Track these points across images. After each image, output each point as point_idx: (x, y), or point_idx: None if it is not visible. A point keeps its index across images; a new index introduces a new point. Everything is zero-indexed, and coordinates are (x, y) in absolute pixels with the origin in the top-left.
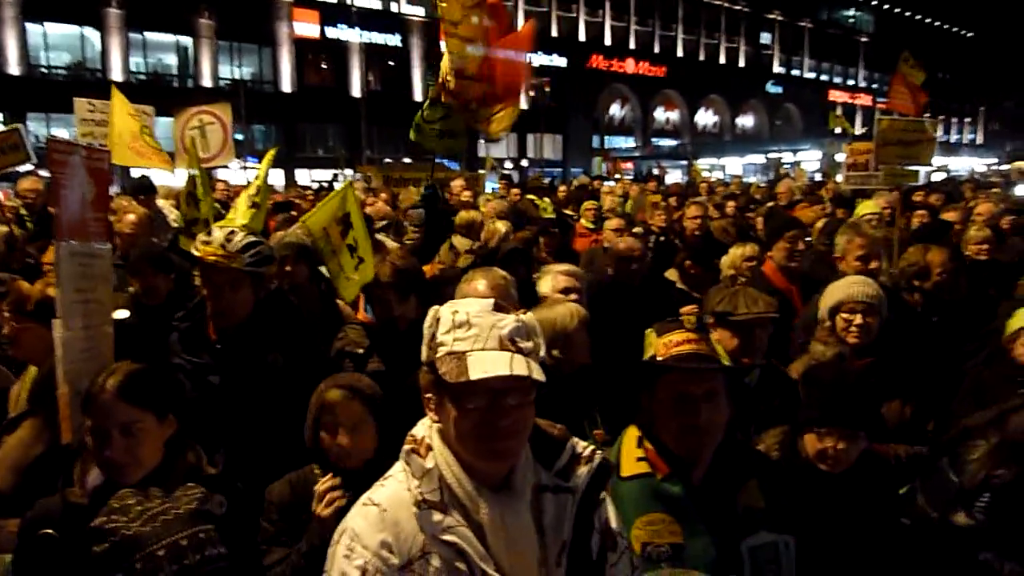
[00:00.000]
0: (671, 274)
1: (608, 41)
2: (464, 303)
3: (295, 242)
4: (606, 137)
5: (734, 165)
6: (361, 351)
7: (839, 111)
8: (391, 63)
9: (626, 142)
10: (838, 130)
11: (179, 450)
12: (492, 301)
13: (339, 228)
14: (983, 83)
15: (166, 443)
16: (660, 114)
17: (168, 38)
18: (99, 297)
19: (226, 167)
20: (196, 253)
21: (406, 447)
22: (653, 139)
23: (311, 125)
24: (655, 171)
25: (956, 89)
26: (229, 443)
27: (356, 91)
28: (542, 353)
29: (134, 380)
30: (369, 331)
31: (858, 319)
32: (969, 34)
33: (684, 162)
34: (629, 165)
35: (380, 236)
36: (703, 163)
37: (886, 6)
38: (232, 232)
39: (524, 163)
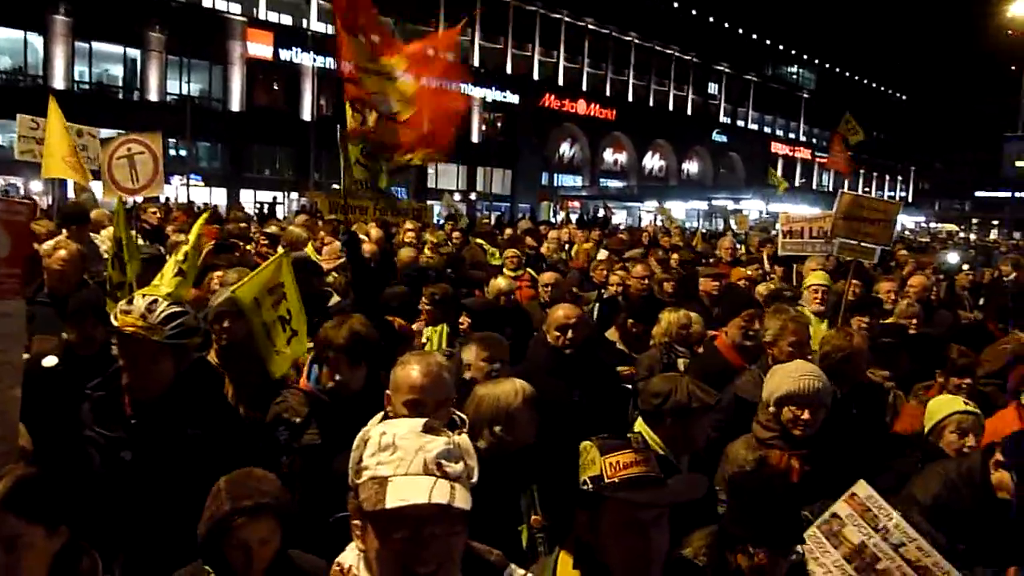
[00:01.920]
0: (611, 334)
1: (561, 81)
2: (394, 424)
3: (234, 297)
4: (555, 175)
5: (679, 210)
6: (299, 420)
7: (779, 166)
8: None
9: (574, 181)
10: (780, 188)
11: (71, 561)
12: (423, 421)
13: (271, 299)
14: (914, 144)
15: (56, 554)
16: (609, 155)
17: (116, 49)
18: (9, 359)
19: (156, 198)
20: (114, 323)
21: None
22: (601, 179)
23: (259, 146)
24: (601, 212)
25: (889, 148)
26: (134, 535)
27: (307, 115)
28: (474, 478)
29: (24, 489)
30: (310, 399)
31: (806, 414)
32: (903, 97)
33: (631, 203)
34: (576, 204)
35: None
36: (648, 206)
37: (827, 65)
38: (155, 301)
39: (473, 196)
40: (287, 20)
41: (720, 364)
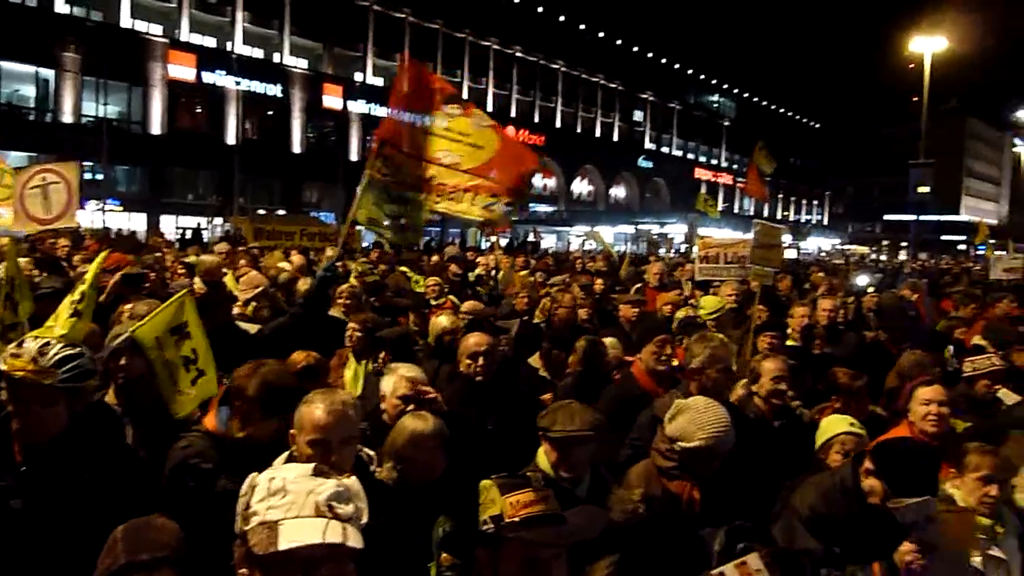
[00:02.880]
0: (535, 360)
1: (490, 107)
2: (283, 469)
3: (134, 338)
4: None
5: (607, 234)
6: (209, 466)
7: (704, 190)
8: (270, 112)
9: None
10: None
11: None
12: (312, 466)
13: (173, 338)
14: (828, 169)
15: None
16: (538, 180)
17: (27, 69)
18: None
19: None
20: (3, 367)
21: None
22: (531, 204)
23: (181, 170)
24: (531, 236)
25: (805, 174)
26: None
27: (231, 138)
28: (364, 519)
29: None
30: (217, 442)
31: (713, 464)
32: (816, 125)
33: (561, 228)
34: (507, 229)
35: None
36: (578, 230)
37: (746, 94)
38: (47, 344)
39: (402, 221)
40: (211, 42)
41: (635, 390)
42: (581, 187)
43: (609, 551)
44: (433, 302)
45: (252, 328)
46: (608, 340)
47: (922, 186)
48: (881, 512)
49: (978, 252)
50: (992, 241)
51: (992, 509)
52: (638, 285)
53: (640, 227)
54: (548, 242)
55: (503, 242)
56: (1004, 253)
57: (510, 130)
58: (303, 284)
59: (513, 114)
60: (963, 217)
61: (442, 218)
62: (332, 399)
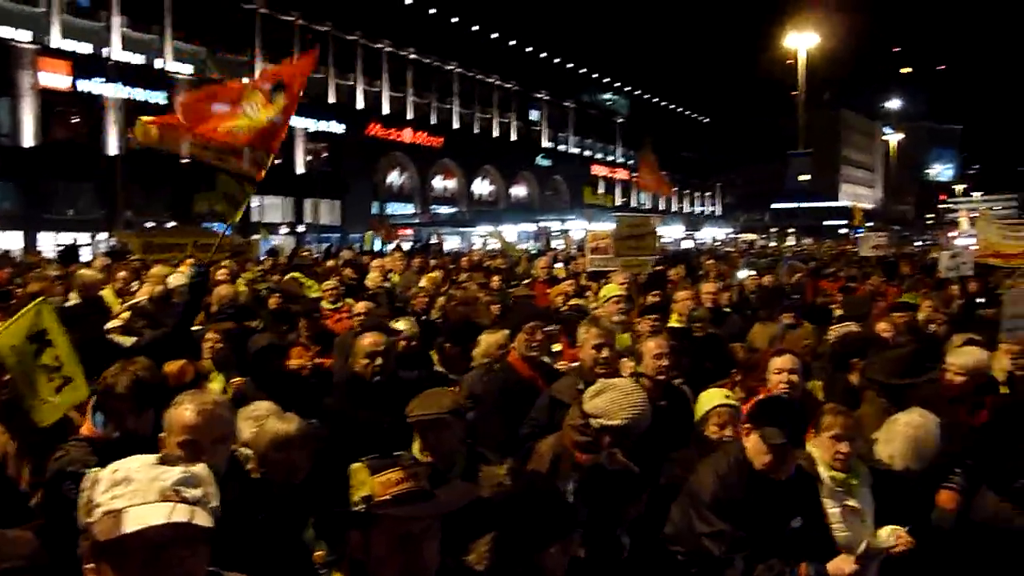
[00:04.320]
0: (433, 355)
1: (386, 110)
2: (127, 461)
3: None
4: (386, 204)
5: (510, 232)
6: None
7: (602, 186)
8: None
9: (405, 208)
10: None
11: None
12: (156, 456)
13: (33, 347)
14: (719, 162)
15: None
16: (438, 182)
17: None
18: None
19: None
20: None
21: None
22: (432, 206)
23: (59, 183)
24: (433, 239)
25: (697, 166)
26: None
27: (112, 148)
28: (214, 503)
29: None
30: (96, 446)
31: (628, 440)
32: (705, 120)
33: (464, 228)
34: (409, 231)
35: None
36: (481, 230)
37: (637, 92)
38: None
39: (301, 228)
40: (86, 48)
41: (514, 377)
42: (482, 187)
43: (486, 529)
44: (331, 306)
45: (128, 341)
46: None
47: (802, 175)
48: (772, 483)
49: (856, 235)
50: (869, 224)
51: (845, 464)
52: (526, 280)
53: (541, 224)
54: (451, 243)
55: (405, 246)
56: (872, 232)
57: (407, 133)
58: (224, 290)
59: (410, 116)
60: (842, 203)
61: (342, 223)
62: (202, 400)
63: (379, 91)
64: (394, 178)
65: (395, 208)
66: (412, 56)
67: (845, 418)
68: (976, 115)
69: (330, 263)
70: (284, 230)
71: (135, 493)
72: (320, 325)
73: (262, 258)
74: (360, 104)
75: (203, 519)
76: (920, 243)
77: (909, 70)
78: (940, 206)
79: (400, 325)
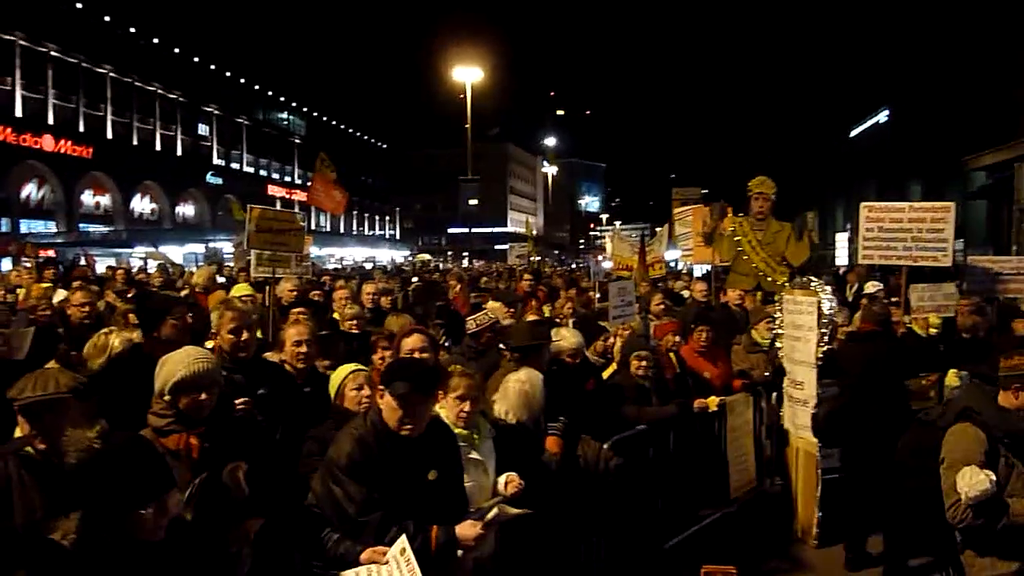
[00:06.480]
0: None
1: (20, 112)
2: None
3: None
4: (21, 220)
5: (175, 253)
6: None
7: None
8: None
9: (47, 226)
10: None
11: None
12: None
13: None
14: (397, 188)
15: None
16: (89, 198)
17: None
18: None
19: None
20: None
21: None
22: (81, 224)
23: None
24: (82, 261)
25: (376, 191)
26: None
27: None
28: None
29: None
30: None
31: (203, 396)
32: (384, 145)
33: (120, 249)
34: (52, 252)
35: None
36: (140, 251)
37: (315, 114)
38: None
39: None
40: None
41: None
42: (143, 205)
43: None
44: None
45: None
46: None
47: (472, 199)
48: (406, 440)
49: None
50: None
51: (467, 422)
52: (185, 292)
53: (211, 245)
54: (105, 264)
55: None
56: (516, 243)
57: (48, 140)
58: None
59: (51, 121)
60: (510, 228)
61: None
62: None
63: (11, 90)
64: (32, 191)
65: (34, 226)
66: (53, 53)
67: (468, 380)
68: (616, 155)
69: None
70: None
71: None
72: None
73: None
74: None
75: None
76: (574, 265)
77: (562, 112)
78: (591, 233)
79: None
